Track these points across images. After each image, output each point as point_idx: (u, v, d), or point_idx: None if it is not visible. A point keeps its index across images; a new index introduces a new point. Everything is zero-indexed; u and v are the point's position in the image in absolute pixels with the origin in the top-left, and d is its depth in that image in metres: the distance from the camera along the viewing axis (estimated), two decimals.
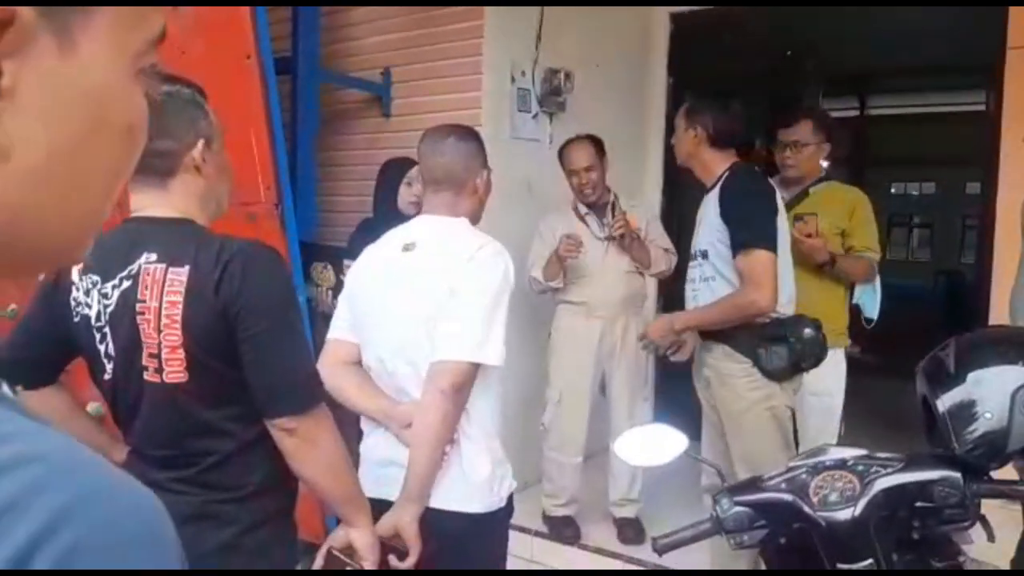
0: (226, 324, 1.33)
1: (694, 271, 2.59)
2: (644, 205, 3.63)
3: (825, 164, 3.37)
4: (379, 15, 3.82)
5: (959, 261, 11.41)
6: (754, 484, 1.36)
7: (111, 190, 0.47)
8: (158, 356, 1.35)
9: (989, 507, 1.25)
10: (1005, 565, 1.38)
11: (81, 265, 1.40)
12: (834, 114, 10.10)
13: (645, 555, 2.98)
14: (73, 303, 1.42)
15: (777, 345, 2.41)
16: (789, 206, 3.23)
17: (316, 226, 3.71)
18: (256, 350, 1.34)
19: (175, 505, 1.29)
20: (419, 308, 1.73)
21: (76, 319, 1.42)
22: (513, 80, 3.66)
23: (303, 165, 3.59)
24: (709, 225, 2.51)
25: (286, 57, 3.52)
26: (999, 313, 3.14)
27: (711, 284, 2.50)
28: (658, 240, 3.38)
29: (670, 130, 3.48)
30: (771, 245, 2.40)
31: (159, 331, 1.34)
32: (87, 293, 1.40)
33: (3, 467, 0.34)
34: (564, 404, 3.23)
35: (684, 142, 2.62)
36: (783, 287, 2.43)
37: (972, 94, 7.19)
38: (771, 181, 3.39)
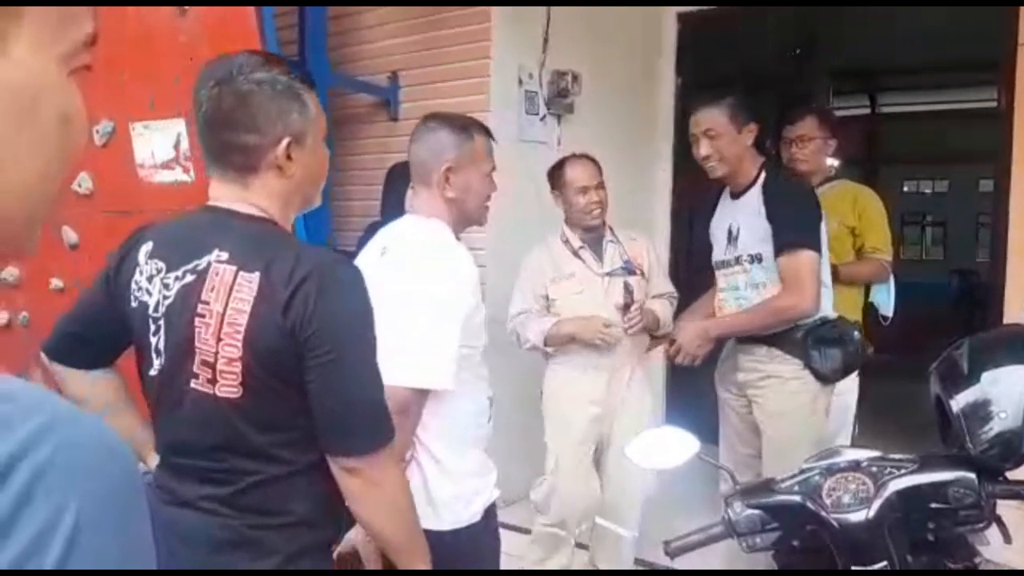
0: (294, 346, 1.19)
1: (737, 277, 2.48)
2: (642, 236, 3.15)
3: (835, 163, 3.36)
4: (386, 19, 3.83)
5: (973, 259, 11.32)
6: (767, 486, 1.35)
7: (51, 178, 0.52)
8: (213, 366, 1.21)
9: (1005, 508, 1.23)
10: (1022, 566, 1.36)
11: (150, 246, 1.30)
12: (845, 112, 10.10)
13: (652, 556, 2.96)
14: (134, 286, 1.30)
15: (831, 347, 2.36)
16: None
17: (329, 230, 3.72)
18: (322, 380, 1.21)
19: (210, 528, 1.23)
20: (381, 319, 1.54)
21: (133, 304, 1.30)
22: (520, 83, 3.66)
23: None
24: (752, 229, 2.42)
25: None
26: (1013, 311, 3.12)
27: (762, 291, 2.42)
28: (661, 285, 2.96)
29: (679, 131, 3.50)
30: (816, 246, 2.35)
31: (218, 339, 1.20)
32: (149, 279, 1.28)
33: None
34: (564, 473, 2.74)
35: (736, 144, 2.44)
36: (826, 289, 2.41)
37: (984, 91, 7.14)
38: None
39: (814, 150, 3.16)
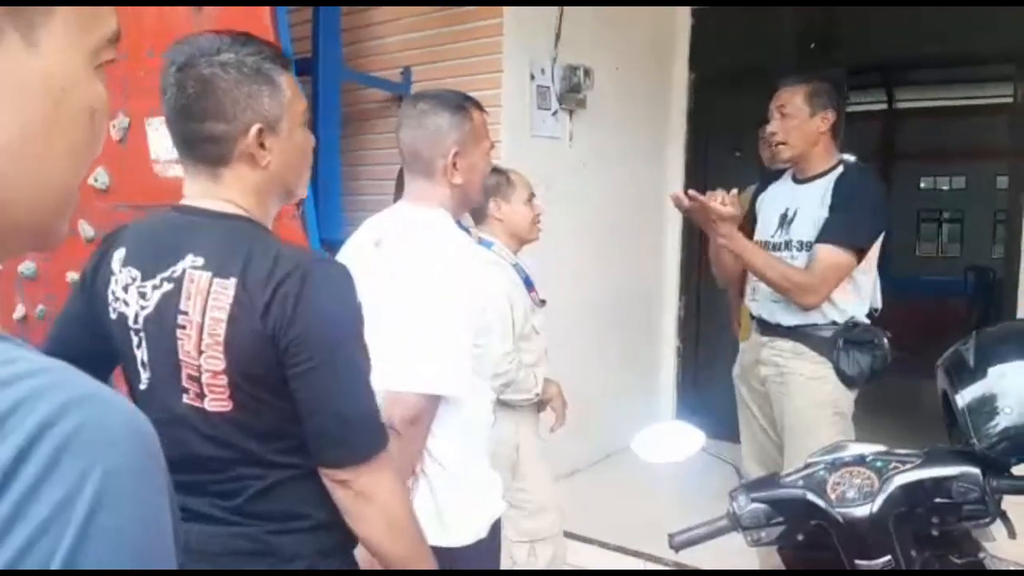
0: (275, 353, 1.12)
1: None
2: None
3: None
4: (399, 14, 3.84)
5: (990, 256, 11.22)
6: (772, 481, 1.35)
7: (78, 168, 0.55)
8: (198, 380, 1.14)
9: (1011, 504, 1.23)
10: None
11: (123, 252, 1.21)
12: (862, 108, 10.02)
13: (666, 552, 2.96)
14: (111, 296, 1.21)
15: (861, 351, 2.34)
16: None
17: (342, 225, 3.74)
18: (307, 388, 1.13)
19: (226, 538, 1.17)
20: (379, 318, 1.42)
21: (112, 315, 1.21)
22: (532, 78, 3.66)
23: (326, 165, 3.62)
24: (811, 217, 2.38)
25: (307, 58, 3.55)
26: None
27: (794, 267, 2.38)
28: None
29: (692, 126, 3.50)
30: (862, 254, 2.33)
31: (200, 352, 1.13)
32: (125, 288, 1.19)
33: (12, 379, 0.43)
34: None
35: (806, 128, 2.40)
36: (871, 295, 2.40)
37: (1001, 87, 7.07)
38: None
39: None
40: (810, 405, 2.36)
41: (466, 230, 2.33)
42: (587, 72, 3.82)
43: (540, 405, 2.43)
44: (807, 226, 2.38)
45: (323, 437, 1.16)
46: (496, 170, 2.36)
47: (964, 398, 1.21)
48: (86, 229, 3.55)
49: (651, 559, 3.00)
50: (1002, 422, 1.17)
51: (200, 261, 1.15)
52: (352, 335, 1.17)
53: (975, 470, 1.18)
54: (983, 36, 4.61)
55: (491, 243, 2.38)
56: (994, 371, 1.21)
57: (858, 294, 2.37)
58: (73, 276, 3.61)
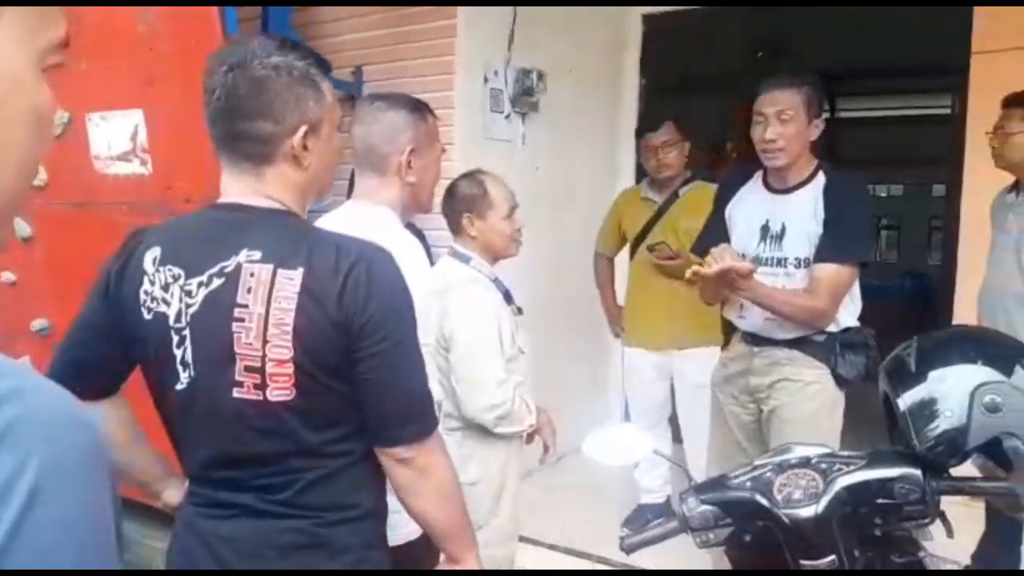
0: (346, 339, 1.16)
1: (776, 280, 2.36)
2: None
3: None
4: (351, 13, 3.80)
5: (926, 262, 11.57)
6: (720, 483, 1.37)
7: (24, 171, 0.54)
8: (260, 370, 1.15)
9: (950, 504, 1.27)
10: (965, 560, 1.40)
11: (158, 252, 1.22)
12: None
13: (615, 554, 2.98)
14: (144, 296, 1.21)
15: (856, 353, 2.33)
16: (663, 208, 3.41)
17: None
18: (378, 370, 1.18)
19: (274, 532, 1.18)
20: None
21: (148, 316, 1.20)
22: (486, 80, 3.66)
23: None
24: (805, 232, 2.32)
25: (309, 47, 3.49)
26: (964, 313, 3.20)
27: (803, 295, 2.33)
28: None
29: (642, 131, 3.52)
30: (862, 264, 2.34)
31: (264, 341, 1.15)
32: (165, 287, 1.20)
33: None
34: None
35: (803, 135, 2.31)
36: (854, 301, 2.40)
37: (939, 97, 7.30)
38: (643, 183, 3.56)
39: (677, 155, 3.38)
40: (813, 410, 2.34)
41: (463, 256, 2.26)
42: (540, 75, 3.84)
43: (528, 437, 2.32)
44: (802, 242, 2.34)
45: (392, 416, 1.22)
46: (473, 182, 2.31)
47: (905, 401, 1.24)
48: (22, 227, 3.43)
49: (600, 561, 3.02)
50: (941, 424, 1.20)
51: (257, 255, 1.17)
52: (412, 318, 1.24)
53: (916, 471, 1.22)
54: (923, 47, 4.77)
55: (469, 257, 2.29)
56: (934, 375, 1.25)
57: (852, 302, 2.39)
58: (8, 276, 3.50)
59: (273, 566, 1.20)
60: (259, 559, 1.20)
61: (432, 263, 2.41)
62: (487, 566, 2.24)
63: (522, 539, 3.16)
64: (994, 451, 1.20)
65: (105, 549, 0.46)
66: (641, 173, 4.45)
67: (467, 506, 2.15)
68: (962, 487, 1.25)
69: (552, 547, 3.22)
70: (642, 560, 2.92)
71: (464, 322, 2.16)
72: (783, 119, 2.29)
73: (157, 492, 1.43)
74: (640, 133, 3.53)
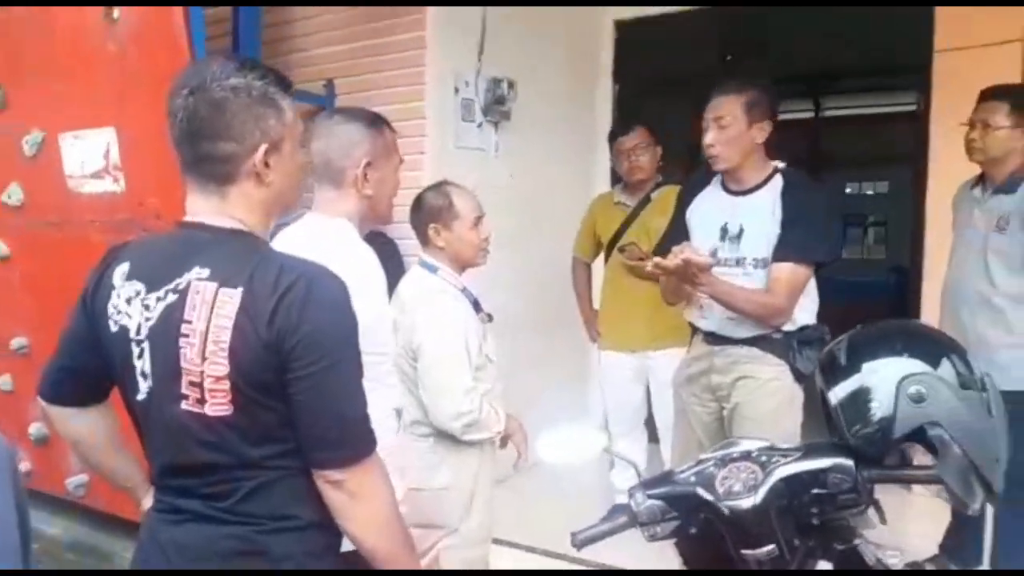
0: (278, 359, 1.18)
1: (736, 280, 2.41)
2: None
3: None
4: (321, 27, 3.85)
5: (910, 258, 11.63)
6: (667, 478, 1.40)
7: None
8: (200, 386, 1.19)
9: (889, 492, 1.31)
10: (903, 546, 1.44)
11: (126, 267, 1.27)
12: (789, 116, 10.32)
13: (592, 555, 3.02)
14: (112, 310, 1.26)
15: (812, 349, 2.37)
16: (635, 211, 3.47)
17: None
18: (307, 392, 1.20)
19: (217, 538, 1.22)
20: None
21: (114, 328, 1.26)
22: (457, 90, 3.71)
23: None
24: (764, 232, 2.38)
25: (268, 66, 3.51)
26: (931, 309, 3.25)
27: (761, 292, 2.38)
28: None
29: (615, 135, 3.58)
30: (819, 265, 2.38)
31: (203, 358, 1.18)
32: (128, 301, 1.25)
33: None
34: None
35: (743, 139, 2.38)
36: (812, 299, 2.44)
37: (911, 95, 7.39)
38: (616, 188, 3.61)
39: (648, 158, 3.47)
40: (769, 406, 2.39)
41: (431, 267, 2.30)
42: (511, 84, 3.89)
43: (502, 441, 2.36)
44: (760, 243, 2.39)
45: (321, 439, 1.23)
46: (439, 193, 2.35)
47: (836, 395, 1.29)
48: (0, 247, 3.47)
49: (576, 561, 3.05)
50: (871, 416, 1.25)
51: (206, 272, 1.21)
52: (351, 341, 1.25)
53: (848, 462, 1.25)
54: (893, 46, 4.83)
55: (436, 267, 2.32)
56: (863, 368, 1.29)
57: (809, 302, 2.44)
58: None
59: (219, 569, 1.23)
60: (204, 564, 1.23)
61: (404, 272, 2.47)
62: (460, 567, 2.29)
63: (498, 542, 3.20)
64: (923, 440, 1.25)
65: (7, 551, 0.49)
66: (616, 178, 4.51)
67: (439, 511, 2.20)
68: (892, 475, 1.29)
69: (529, 549, 3.26)
70: (625, 560, 2.97)
71: (431, 333, 2.19)
72: (721, 125, 2.37)
73: (139, 498, 1.48)
74: (612, 137, 3.60)
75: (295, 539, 1.26)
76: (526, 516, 3.39)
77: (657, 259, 2.30)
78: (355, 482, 1.24)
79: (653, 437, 3.52)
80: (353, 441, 1.25)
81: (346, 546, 1.35)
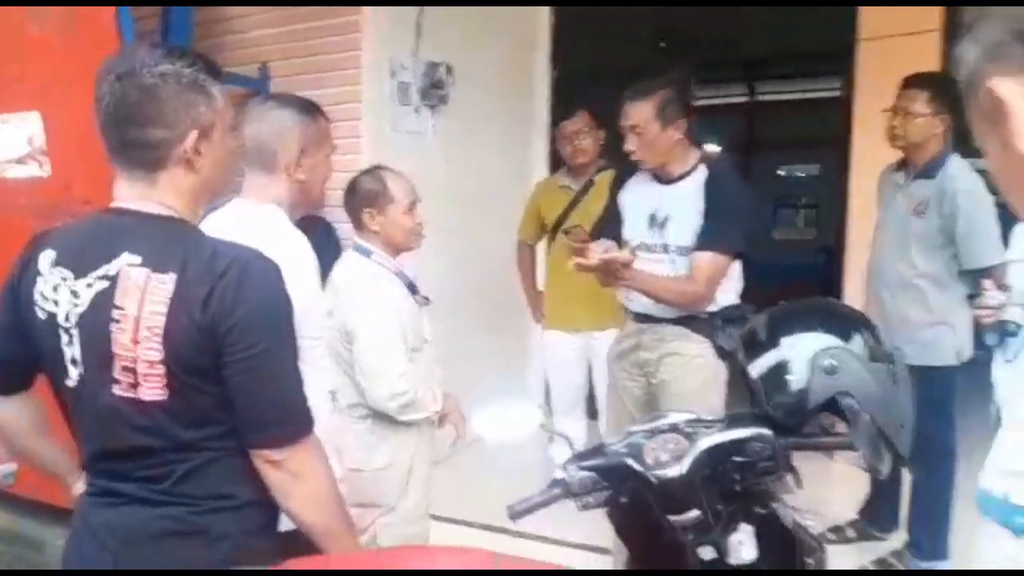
0: (213, 342, 1.20)
1: (661, 266, 2.50)
2: None
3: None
4: (256, 9, 3.79)
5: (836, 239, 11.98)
6: (599, 450, 1.46)
7: None
8: (134, 370, 1.20)
9: (810, 460, 1.38)
10: (825, 512, 1.54)
11: (53, 254, 1.26)
12: (725, 100, 10.53)
13: (531, 528, 3.07)
14: (39, 297, 1.26)
15: (734, 327, 2.41)
16: (579, 194, 3.55)
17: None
18: (244, 374, 1.22)
19: (152, 519, 1.23)
20: None
21: (40, 315, 1.25)
22: (393, 74, 3.70)
23: None
24: (688, 221, 2.45)
25: (198, 53, 3.44)
26: (854, 291, 3.38)
27: (682, 281, 2.46)
28: None
29: (555, 122, 3.65)
30: (739, 255, 2.47)
31: (137, 343, 1.19)
32: (55, 288, 1.24)
33: None
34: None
35: (662, 141, 2.45)
36: (737, 280, 2.54)
37: (837, 81, 7.63)
38: (560, 172, 3.68)
39: (591, 142, 3.53)
40: (695, 382, 2.49)
41: (365, 251, 2.31)
42: (449, 69, 3.89)
43: (440, 421, 2.39)
44: (684, 232, 2.46)
45: (259, 420, 1.25)
46: (374, 178, 2.37)
47: (757, 368, 1.37)
48: None
49: (517, 535, 3.10)
50: (787, 388, 1.33)
51: (137, 259, 1.21)
52: (286, 323, 1.28)
53: (767, 431, 1.33)
54: (821, 33, 4.98)
55: (370, 251, 2.33)
56: (783, 343, 1.37)
57: (731, 284, 2.53)
58: None
59: (151, 552, 1.24)
60: (138, 545, 1.25)
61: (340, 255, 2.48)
62: (399, 543, 2.33)
63: (439, 518, 3.25)
64: (837, 410, 1.33)
65: None
66: (555, 163, 4.57)
67: (377, 490, 2.24)
68: (807, 443, 1.37)
69: (469, 524, 3.31)
70: (561, 532, 3.05)
71: (365, 316, 2.22)
72: (636, 133, 2.45)
73: (69, 484, 1.48)
74: (556, 122, 3.66)
75: (232, 518, 1.28)
76: (466, 493, 3.44)
77: (578, 259, 2.38)
78: (294, 461, 1.26)
79: (594, 414, 3.61)
80: (291, 421, 1.27)
81: (287, 525, 1.38)
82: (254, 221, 1.62)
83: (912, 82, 2.84)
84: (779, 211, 13.38)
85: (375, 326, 2.22)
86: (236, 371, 1.22)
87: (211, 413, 1.25)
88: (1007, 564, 0.74)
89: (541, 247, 3.89)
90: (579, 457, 1.45)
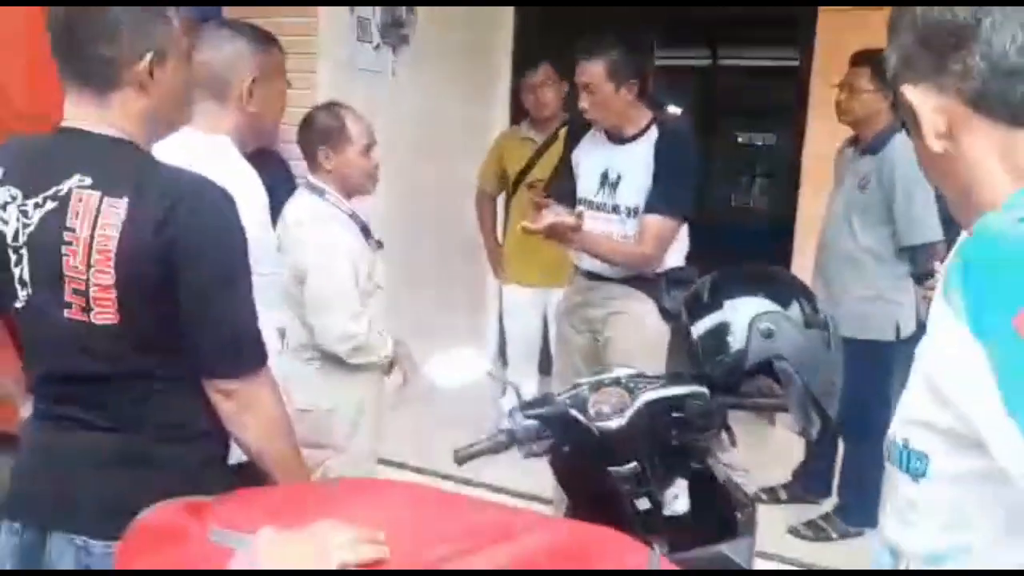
0: (166, 268, 1.18)
1: (611, 226, 2.53)
2: None
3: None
4: None
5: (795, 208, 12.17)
6: (545, 400, 1.51)
7: None
8: (85, 294, 1.18)
9: (756, 426, 1.45)
10: (750, 468, 1.62)
11: (0, 172, 1.23)
12: (687, 62, 10.49)
13: (476, 475, 3.14)
14: None
15: (679, 290, 2.46)
16: (543, 147, 3.56)
17: None
18: (196, 301, 1.21)
19: (102, 444, 1.23)
20: None
21: None
22: (352, 9, 3.60)
23: None
24: (638, 182, 2.48)
25: None
26: (804, 264, 3.44)
27: (630, 243, 2.52)
28: None
29: (517, 69, 3.62)
30: (687, 217, 2.49)
31: (89, 266, 1.17)
32: (4, 207, 1.22)
33: None
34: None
35: (615, 101, 2.45)
36: (684, 242, 2.58)
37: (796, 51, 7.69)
38: (524, 123, 3.70)
39: (554, 95, 3.55)
40: (640, 341, 2.51)
41: (319, 190, 2.27)
42: (411, 8, 3.82)
43: (388, 367, 2.38)
44: (633, 193, 2.49)
45: (213, 349, 1.24)
46: (331, 114, 2.31)
47: (697, 329, 1.42)
48: None
49: (463, 482, 3.17)
50: (726, 349, 1.38)
51: (88, 181, 1.19)
52: (240, 254, 1.27)
53: (704, 389, 1.39)
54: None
55: (323, 191, 2.29)
56: (726, 305, 1.43)
57: (678, 246, 2.58)
58: None
59: (97, 478, 1.24)
60: (85, 470, 1.25)
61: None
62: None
63: (389, 463, 3.31)
64: (772, 373, 1.40)
65: None
66: (517, 113, 4.54)
67: (326, 431, 2.26)
68: (742, 403, 1.44)
69: (418, 470, 3.37)
70: (505, 478, 3.11)
71: (318, 257, 2.20)
72: (589, 91, 2.46)
73: (17, 407, 1.46)
74: (520, 72, 3.64)
75: (182, 449, 1.28)
76: (418, 440, 3.49)
77: (524, 223, 2.42)
78: (247, 392, 1.27)
79: (547, 370, 3.66)
80: (245, 351, 1.27)
81: (238, 457, 1.39)
82: (203, 151, 1.57)
83: (859, 59, 2.92)
84: (737, 178, 13.51)
85: (327, 267, 2.21)
86: (188, 297, 1.21)
87: (164, 340, 1.23)
88: (908, 510, 0.80)
89: (501, 201, 3.89)
90: (525, 406, 1.49)
